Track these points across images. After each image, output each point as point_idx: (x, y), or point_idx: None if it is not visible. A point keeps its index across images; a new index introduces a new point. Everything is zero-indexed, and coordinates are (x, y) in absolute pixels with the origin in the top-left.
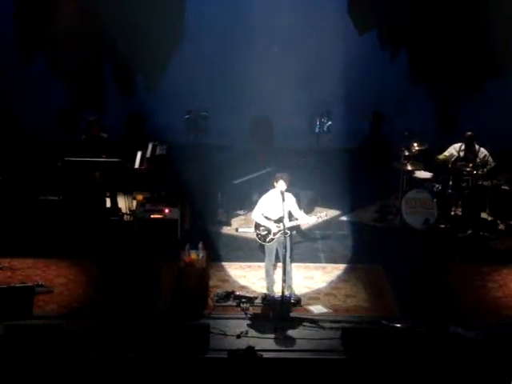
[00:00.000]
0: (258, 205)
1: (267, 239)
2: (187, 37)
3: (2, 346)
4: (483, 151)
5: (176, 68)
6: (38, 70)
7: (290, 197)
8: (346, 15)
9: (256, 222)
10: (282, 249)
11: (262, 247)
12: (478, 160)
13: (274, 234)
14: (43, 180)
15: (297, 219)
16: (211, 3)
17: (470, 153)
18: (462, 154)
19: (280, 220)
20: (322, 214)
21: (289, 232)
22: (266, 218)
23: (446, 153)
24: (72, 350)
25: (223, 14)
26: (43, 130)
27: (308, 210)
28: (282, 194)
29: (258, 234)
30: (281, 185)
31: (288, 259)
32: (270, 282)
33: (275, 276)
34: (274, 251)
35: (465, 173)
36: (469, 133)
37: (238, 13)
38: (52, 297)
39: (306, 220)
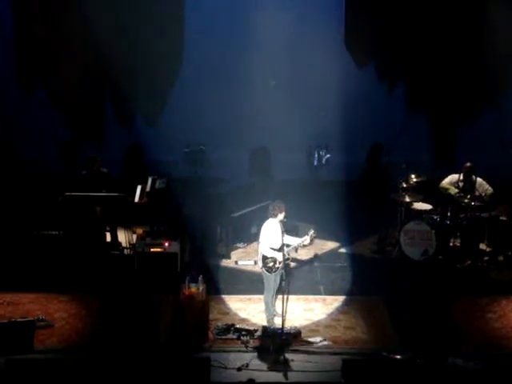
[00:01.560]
0: (263, 238)
1: (274, 269)
2: (185, 72)
3: (3, 380)
4: (480, 181)
5: (175, 103)
6: (38, 103)
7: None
8: (343, 48)
9: (263, 255)
10: (281, 280)
11: (261, 280)
12: (477, 192)
13: (280, 263)
14: (44, 215)
15: (290, 244)
16: (209, 39)
17: (468, 184)
18: (460, 184)
19: (281, 248)
20: (311, 232)
21: (290, 259)
22: (271, 249)
23: (448, 180)
24: None
25: (221, 49)
26: (43, 164)
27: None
28: (282, 223)
29: (265, 267)
30: (282, 214)
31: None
32: (270, 315)
33: (276, 308)
34: (277, 283)
35: (463, 204)
36: (468, 164)
37: (235, 47)
38: (53, 331)
39: (298, 241)
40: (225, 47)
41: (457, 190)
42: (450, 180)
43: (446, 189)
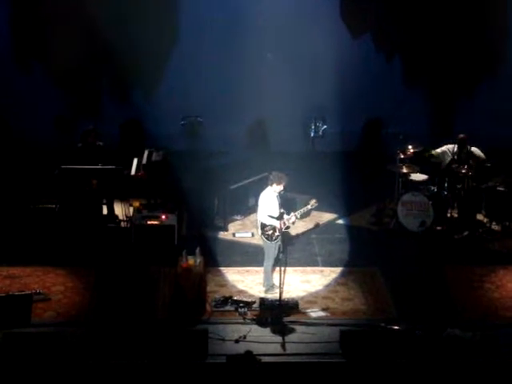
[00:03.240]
0: (261, 206)
1: (273, 237)
2: (182, 44)
3: (1, 354)
4: (475, 150)
5: (171, 75)
6: (35, 77)
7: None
8: (338, 19)
9: (262, 223)
10: (278, 249)
11: (258, 252)
12: (472, 162)
13: (279, 231)
14: (40, 188)
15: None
16: (205, 10)
17: (464, 154)
18: (455, 156)
19: (281, 216)
20: (313, 201)
21: (291, 226)
22: (269, 216)
23: (439, 150)
24: (71, 358)
25: (217, 21)
26: (40, 137)
27: (305, 215)
28: (276, 193)
29: (264, 235)
30: (278, 185)
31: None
32: (269, 284)
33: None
34: (276, 252)
35: (460, 175)
36: (461, 135)
37: (232, 20)
38: (50, 304)
39: (300, 212)
40: (221, 20)
41: (440, 151)
42: (443, 149)
43: (432, 154)
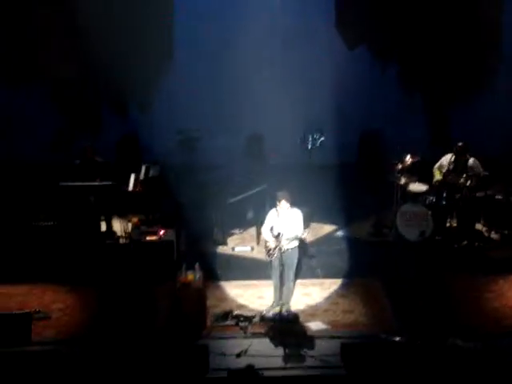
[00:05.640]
0: (265, 221)
1: (269, 254)
2: (177, 60)
3: (1, 373)
4: (473, 161)
5: (168, 90)
6: (32, 94)
7: (294, 213)
8: (334, 31)
9: (264, 237)
10: (279, 265)
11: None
12: (471, 172)
13: (274, 250)
14: (38, 205)
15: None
16: (200, 24)
17: (460, 164)
18: (451, 166)
19: (278, 236)
20: (305, 231)
21: (283, 248)
22: (270, 232)
23: (437, 167)
24: (71, 376)
25: (213, 34)
26: (38, 155)
27: (304, 226)
28: (280, 210)
29: (265, 248)
30: (282, 203)
31: (291, 276)
32: (276, 299)
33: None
34: (278, 267)
35: (457, 185)
36: (460, 144)
37: (228, 33)
38: (50, 323)
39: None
40: (217, 33)
41: (439, 178)
42: (441, 163)
43: (434, 175)
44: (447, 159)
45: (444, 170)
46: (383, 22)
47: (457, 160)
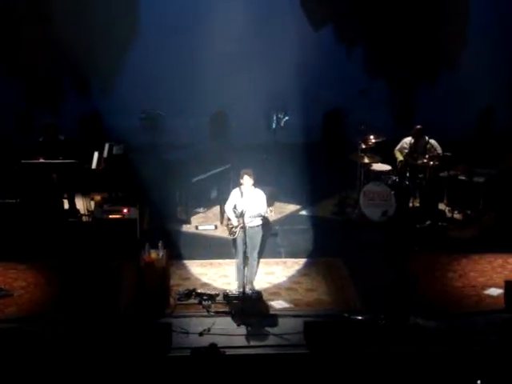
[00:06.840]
0: (229, 199)
1: (231, 232)
2: (141, 37)
3: None
4: (433, 142)
5: (131, 68)
6: None
7: (257, 193)
8: (300, 10)
9: (227, 215)
10: (243, 244)
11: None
12: (432, 153)
13: (236, 228)
14: (0, 183)
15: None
16: (165, 3)
17: (420, 145)
18: (412, 148)
19: (241, 214)
20: (269, 209)
21: (247, 226)
22: (233, 211)
23: (398, 149)
24: (33, 353)
25: (177, 13)
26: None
27: (268, 205)
28: (243, 189)
29: (228, 227)
30: (245, 180)
31: (254, 254)
32: (239, 278)
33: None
34: (241, 246)
35: (419, 166)
36: (418, 126)
37: (192, 12)
38: (12, 300)
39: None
40: (181, 11)
41: (401, 158)
42: (402, 145)
43: (396, 157)
44: (407, 142)
45: (405, 152)
46: (349, 3)
47: (416, 142)
